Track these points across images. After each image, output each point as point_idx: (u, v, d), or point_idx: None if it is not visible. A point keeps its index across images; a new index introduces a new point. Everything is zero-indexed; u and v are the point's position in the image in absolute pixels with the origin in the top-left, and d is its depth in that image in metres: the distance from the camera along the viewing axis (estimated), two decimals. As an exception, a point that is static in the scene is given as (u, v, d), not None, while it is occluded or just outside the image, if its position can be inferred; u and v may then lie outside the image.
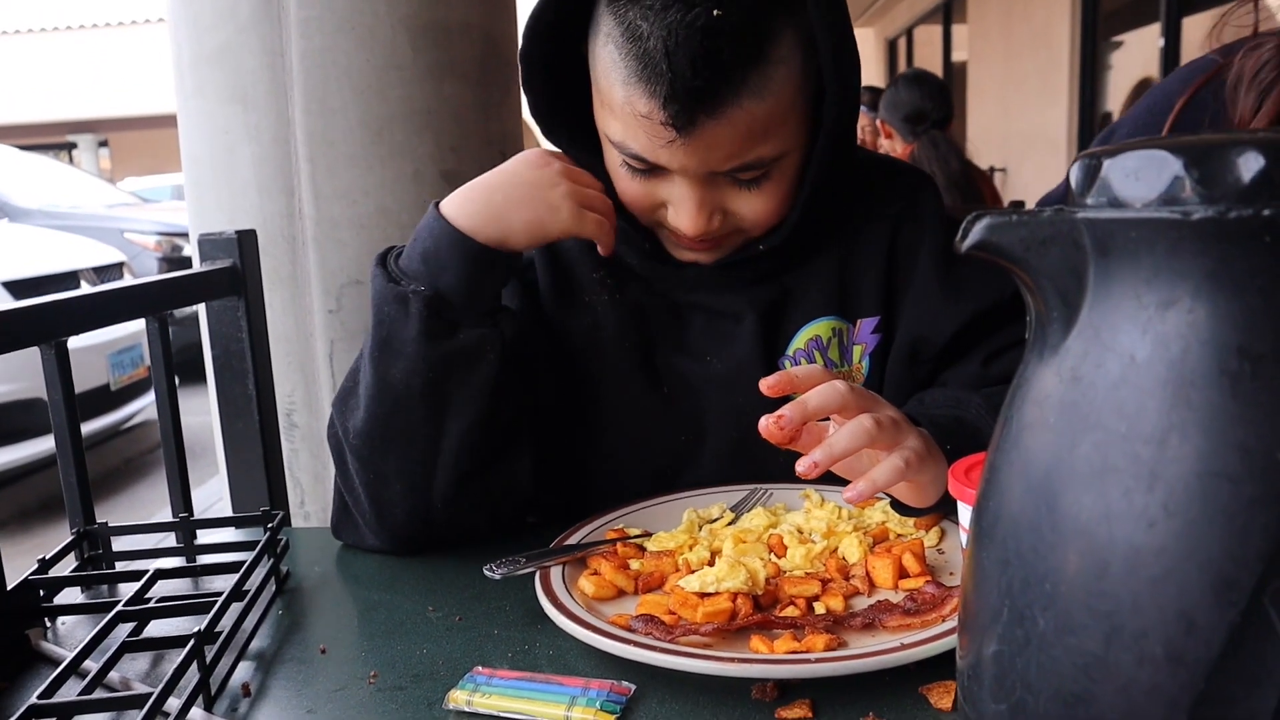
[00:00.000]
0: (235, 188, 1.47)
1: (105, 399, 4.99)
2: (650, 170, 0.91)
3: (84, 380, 4.83)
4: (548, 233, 0.92)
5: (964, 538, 0.62)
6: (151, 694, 0.63)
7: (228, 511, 1.27)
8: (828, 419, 0.79)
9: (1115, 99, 7.70)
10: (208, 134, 1.49)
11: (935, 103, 3.45)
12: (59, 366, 0.94)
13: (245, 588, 0.83)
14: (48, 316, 0.92)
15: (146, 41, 19.43)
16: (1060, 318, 0.41)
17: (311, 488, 1.56)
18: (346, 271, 1.48)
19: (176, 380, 1.22)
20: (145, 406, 5.16)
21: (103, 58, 19.63)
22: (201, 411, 1.79)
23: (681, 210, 0.92)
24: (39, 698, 0.64)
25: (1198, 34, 5.86)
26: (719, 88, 0.82)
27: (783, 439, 0.74)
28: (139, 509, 4.42)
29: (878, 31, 15.51)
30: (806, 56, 0.87)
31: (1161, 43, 6.16)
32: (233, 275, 1.23)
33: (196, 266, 1.24)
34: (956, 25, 10.79)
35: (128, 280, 1.09)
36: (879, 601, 0.74)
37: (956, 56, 10.92)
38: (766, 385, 0.77)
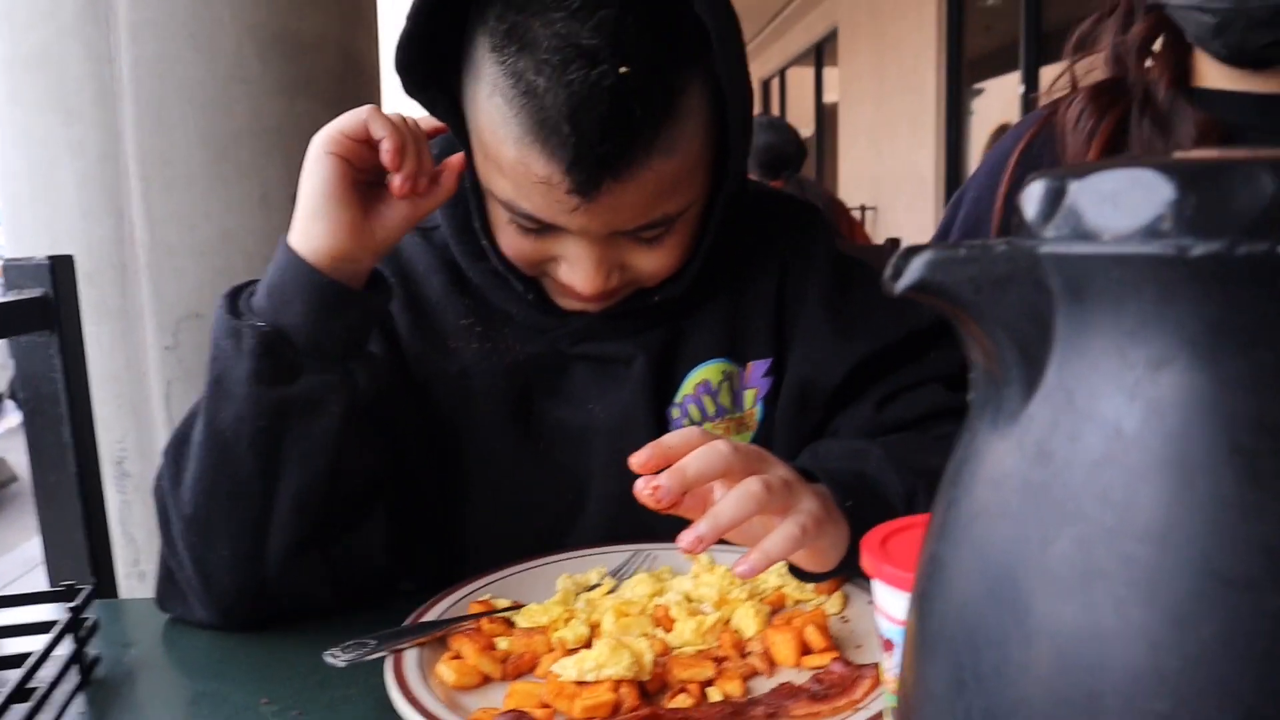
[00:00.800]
0: (56, 208, 1.32)
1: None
2: (542, 229, 0.82)
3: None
4: (339, 210, 0.79)
5: (882, 622, 0.54)
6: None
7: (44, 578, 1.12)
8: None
9: (978, 141, 7.99)
10: (24, 147, 1.33)
11: (794, 147, 3.50)
12: None
13: (30, 685, 0.69)
14: None
15: None
16: (1020, 377, 0.33)
17: (147, 544, 1.40)
18: (185, 303, 1.34)
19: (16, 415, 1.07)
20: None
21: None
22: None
23: (577, 270, 0.84)
24: None
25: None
26: (628, 150, 0.75)
27: (660, 508, 0.65)
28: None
29: (753, 71, 15.82)
30: (711, 104, 0.81)
31: (1022, 89, 6.40)
32: (44, 306, 1.09)
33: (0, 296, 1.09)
34: (828, 68, 11.06)
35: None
36: (782, 685, 0.66)
37: (828, 98, 11.18)
38: (637, 462, 0.68)
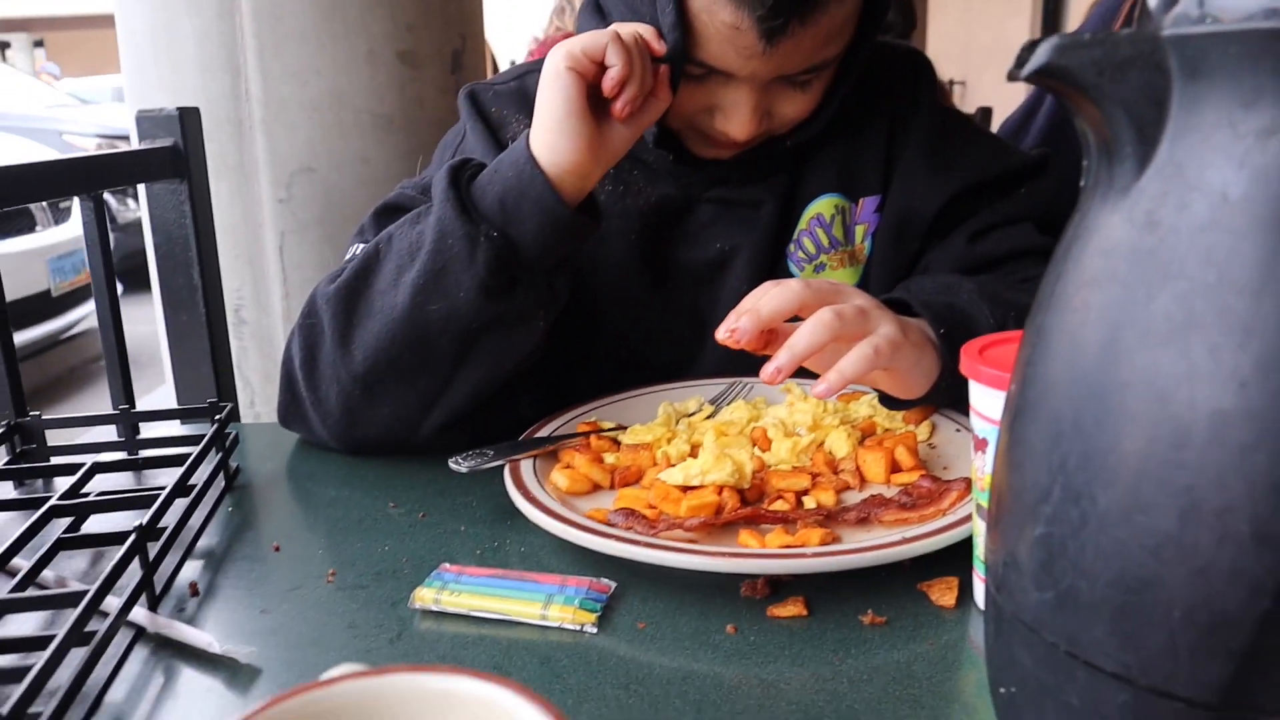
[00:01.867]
0: (177, 66, 1.37)
1: (46, 305, 4.84)
2: (707, 75, 0.85)
3: (24, 286, 4.66)
4: (580, 125, 0.80)
5: (977, 423, 0.58)
6: (88, 591, 0.57)
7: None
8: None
9: (1077, 9, 7.61)
10: (146, 6, 1.38)
11: (899, 13, 3.35)
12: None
13: (191, 482, 0.77)
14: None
15: (81, -65, 18.56)
16: (1134, 154, 0.36)
17: (262, 387, 1.48)
18: (297, 158, 1.39)
19: (120, 289, 1.14)
20: (88, 315, 5.00)
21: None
22: (147, 320, 1.71)
23: (734, 117, 0.86)
24: (-39, 594, 0.58)
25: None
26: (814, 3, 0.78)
27: (741, 347, 0.69)
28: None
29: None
30: None
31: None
32: (174, 155, 1.15)
33: (135, 145, 1.16)
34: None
35: (59, 157, 1.00)
36: (872, 496, 0.70)
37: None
38: (720, 336, 0.71)
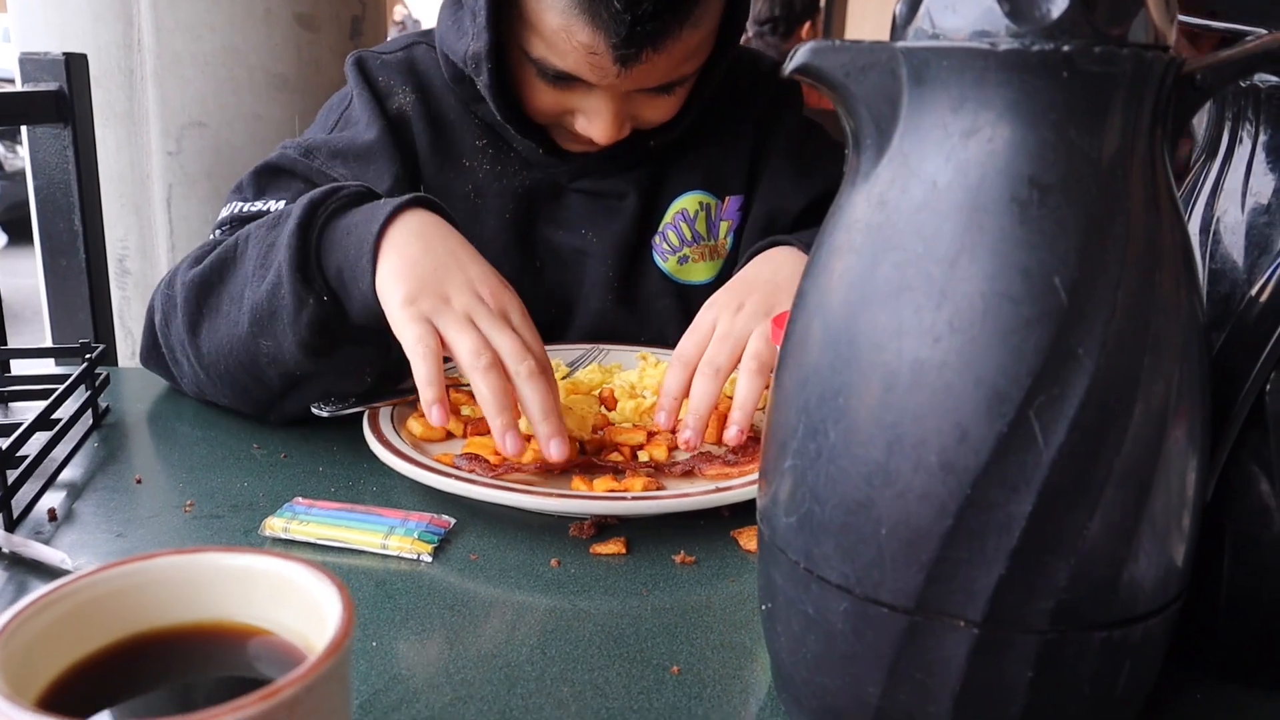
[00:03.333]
0: (66, 11, 1.37)
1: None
2: (567, 83, 0.89)
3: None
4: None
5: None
6: (-59, 505, 0.60)
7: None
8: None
9: None
10: (35, -53, 1.37)
11: (785, 7, 3.37)
12: None
13: (56, 416, 0.79)
14: None
15: None
16: (874, 145, 0.42)
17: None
18: (189, 111, 1.40)
19: (4, 240, 1.14)
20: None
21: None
22: (30, 274, 1.69)
23: (596, 122, 0.91)
24: None
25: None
26: (670, 27, 0.82)
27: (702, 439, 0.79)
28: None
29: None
30: None
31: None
32: (59, 100, 1.16)
33: (18, 88, 1.16)
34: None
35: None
36: (701, 453, 0.76)
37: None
38: (665, 425, 0.80)
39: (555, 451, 0.69)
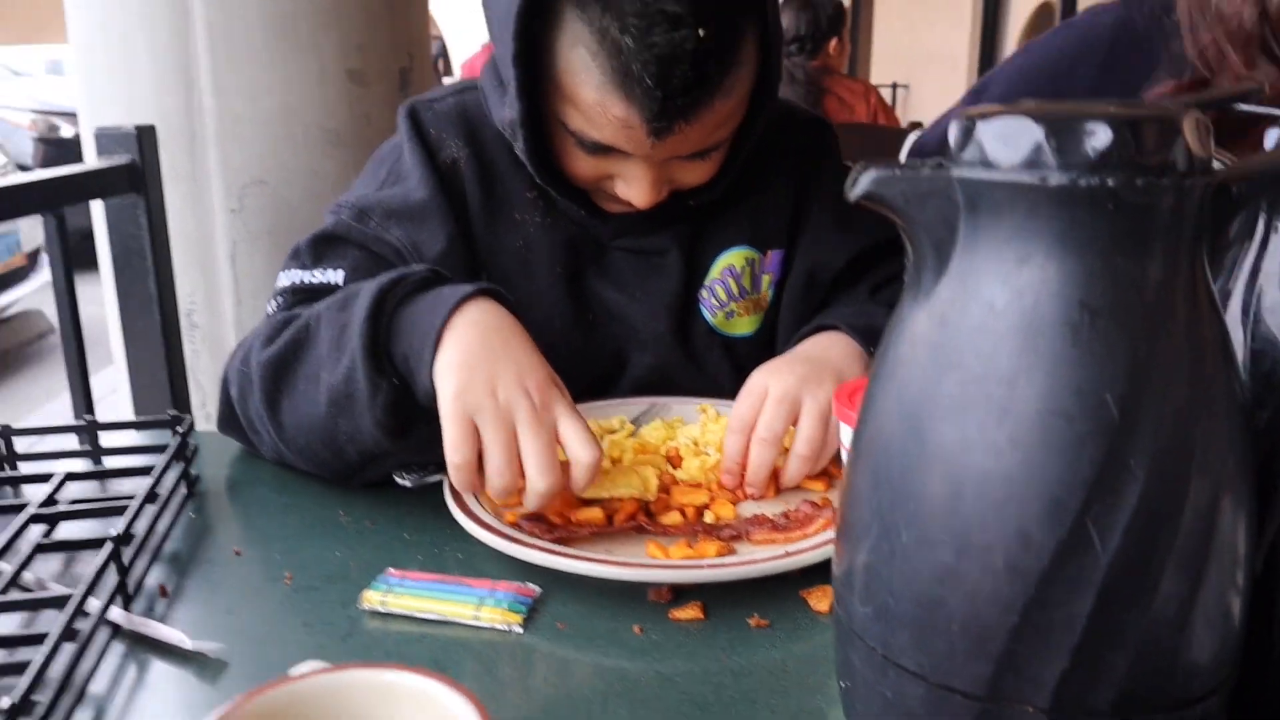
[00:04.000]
0: (131, 78, 1.43)
1: (-20, 287, 4.80)
2: (605, 152, 0.92)
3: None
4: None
5: (844, 454, 0.68)
6: (72, 594, 0.65)
7: (125, 406, 1.27)
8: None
9: (1017, 19, 7.81)
10: (100, 20, 1.44)
11: (831, 9, 3.36)
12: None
13: (158, 491, 0.85)
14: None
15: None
16: (934, 265, 0.46)
17: (213, 390, 1.55)
18: (249, 170, 1.46)
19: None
20: (23, 296, 4.96)
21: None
22: (93, 301, 1.75)
23: (634, 187, 0.94)
24: (-43, 598, 0.66)
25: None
26: (701, 100, 0.85)
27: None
28: (19, 405, 4.28)
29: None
30: (759, 44, 0.91)
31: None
32: (132, 172, 1.22)
33: (93, 161, 1.22)
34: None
35: (20, 177, 1.06)
36: (756, 515, 0.80)
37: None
38: (730, 484, 0.86)
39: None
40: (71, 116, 7.25)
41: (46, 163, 7.00)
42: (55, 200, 1.07)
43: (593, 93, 0.86)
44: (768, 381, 0.87)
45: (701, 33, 0.82)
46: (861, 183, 0.46)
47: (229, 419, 0.98)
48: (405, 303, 0.84)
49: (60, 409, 4.29)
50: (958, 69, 7.67)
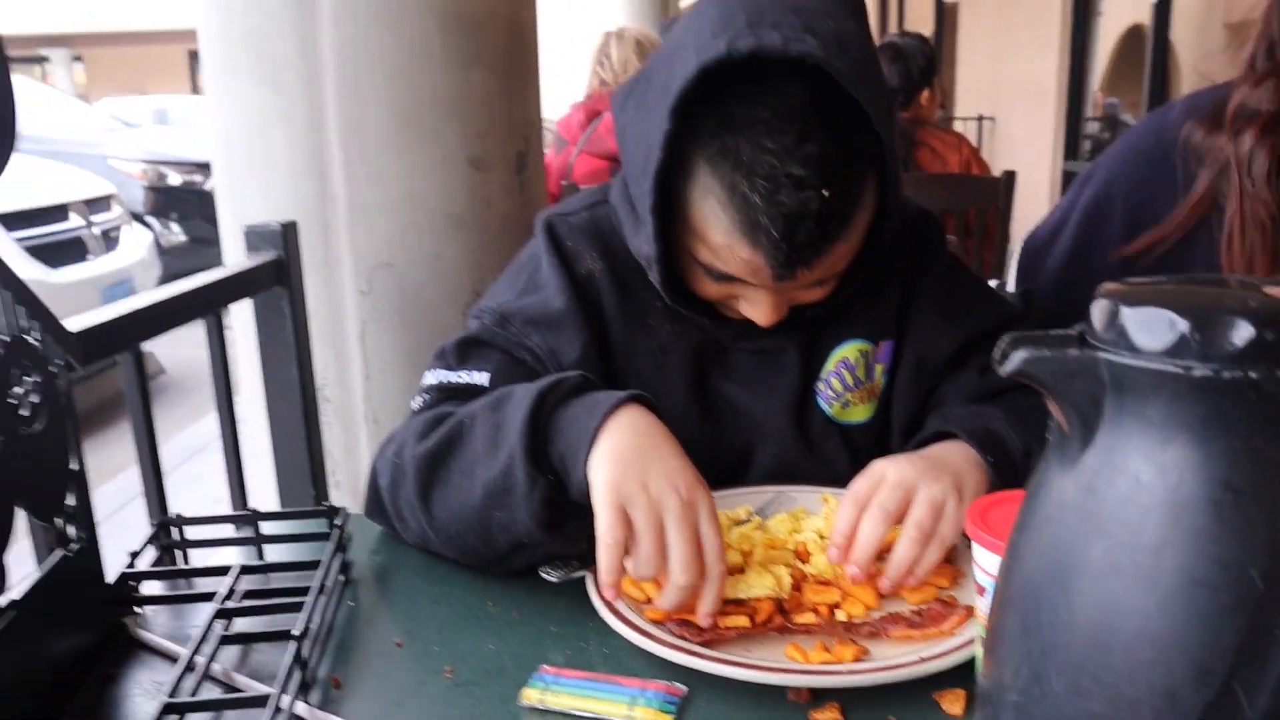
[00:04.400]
0: (268, 170, 1.54)
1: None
2: (731, 279, 0.98)
3: (77, 314, 4.85)
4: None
5: (977, 573, 0.72)
6: (271, 694, 0.72)
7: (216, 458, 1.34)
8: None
9: (1106, 43, 7.71)
10: (240, 115, 1.55)
11: (924, 60, 3.37)
12: (136, 371, 1.02)
13: (325, 582, 0.92)
14: (126, 327, 1.00)
15: (122, -47, 18.97)
16: (1080, 437, 0.50)
17: (343, 460, 1.64)
18: (378, 254, 1.55)
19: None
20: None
21: (77, -31, 19.18)
22: (190, 343, 1.82)
23: (757, 310, 1.00)
24: (169, 696, 0.74)
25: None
26: (823, 249, 0.91)
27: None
28: (131, 446, 4.46)
29: (869, -35, 15.28)
30: (878, 181, 0.96)
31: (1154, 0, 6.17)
32: (278, 267, 1.31)
33: (243, 259, 1.31)
34: (949, -36, 10.73)
35: (179, 285, 1.16)
36: (890, 614, 0.84)
37: (948, -1, 10.88)
38: (835, 559, 0.90)
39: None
40: (178, 165, 7.59)
41: (156, 210, 7.34)
42: (214, 303, 1.16)
43: (722, 236, 0.92)
44: (886, 467, 0.91)
45: (825, 193, 0.88)
46: (1012, 360, 0.51)
47: (376, 507, 1.05)
48: (562, 405, 0.91)
49: (170, 454, 4.47)
50: (1045, 101, 7.58)
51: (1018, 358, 0.51)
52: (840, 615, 0.85)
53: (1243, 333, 0.45)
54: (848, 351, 1.11)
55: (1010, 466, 0.95)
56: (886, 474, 0.90)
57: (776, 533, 0.97)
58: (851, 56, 0.89)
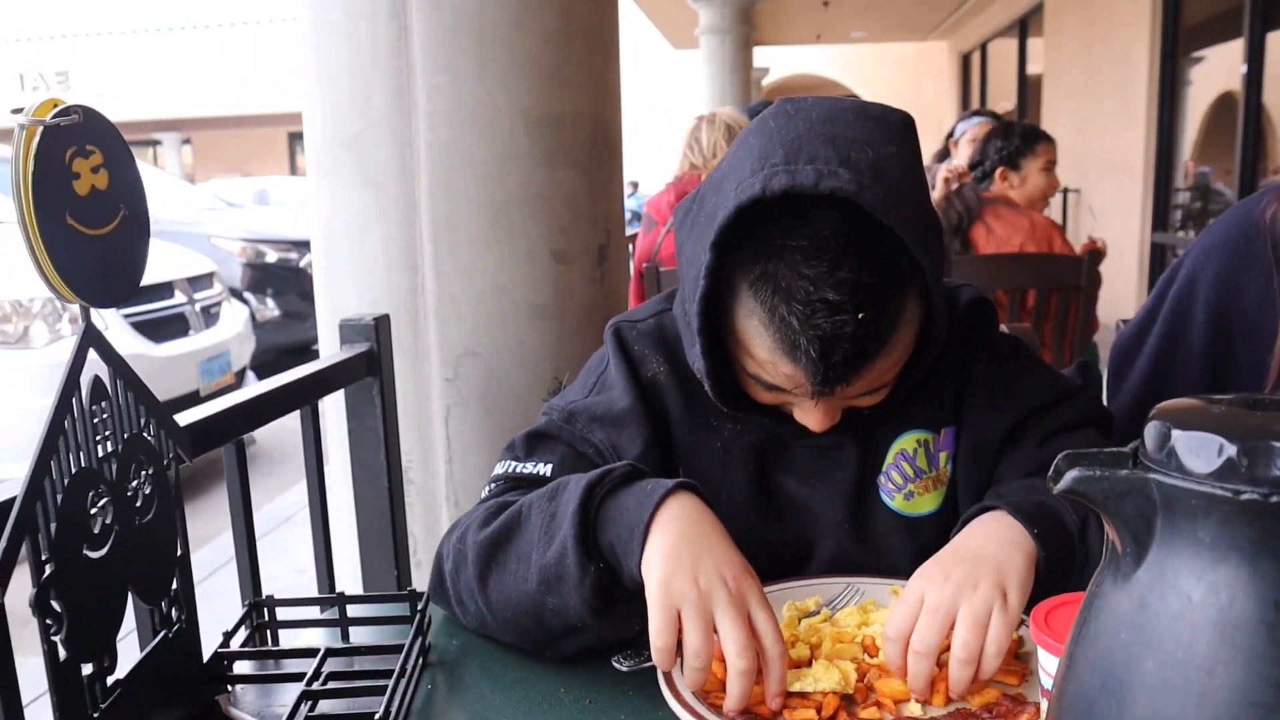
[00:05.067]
0: (364, 265, 1.62)
1: (194, 404, 5.21)
2: (781, 389, 1.01)
3: (177, 386, 5.04)
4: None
5: (1041, 674, 0.73)
6: (354, 779, 0.76)
7: (306, 519, 1.39)
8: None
9: (1195, 112, 7.60)
10: (340, 214, 1.63)
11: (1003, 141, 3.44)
12: (238, 461, 1.08)
13: (406, 666, 0.95)
14: (232, 419, 1.06)
15: (230, 43, 20.06)
16: (1132, 553, 0.52)
17: (423, 538, 1.69)
18: (464, 343, 1.61)
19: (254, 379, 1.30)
20: (233, 414, 5.37)
21: (187, 57, 20.29)
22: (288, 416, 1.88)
23: (809, 418, 1.04)
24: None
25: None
26: (861, 368, 0.95)
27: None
28: (222, 511, 4.62)
29: (951, 45, 15.40)
30: (920, 296, 0.98)
31: (1244, 68, 6.10)
32: (369, 358, 1.37)
33: (337, 351, 1.38)
34: (1033, 39, 10.74)
35: (280, 379, 1.22)
36: (959, 710, 0.85)
37: (1032, 70, 10.86)
38: (895, 667, 0.90)
39: None
40: (275, 243, 7.91)
41: (252, 286, 7.64)
42: (313, 394, 1.22)
43: (765, 353, 0.97)
44: (924, 590, 0.91)
45: (861, 316, 0.91)
46: (1066, 481, 0.53)
47: (440, 590, 1.09)
48: (612, 495, 0.95)
49: (258, 523, 4.61)
50: (1134, 174, 7.49)
51: (1070, 477, 0.52)
52: (908, 710, 0.86)
53: (1290, 458, 0.47)
54: (905, 443, 1.13)
55: (1063, 536, 0.95)
56: (926, 599, 0.90)
57: (844, 625, 0.98)
58: (886, 184, 0.92)
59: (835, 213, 0.92)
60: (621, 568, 0.92)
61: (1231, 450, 0.48)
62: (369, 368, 1.36)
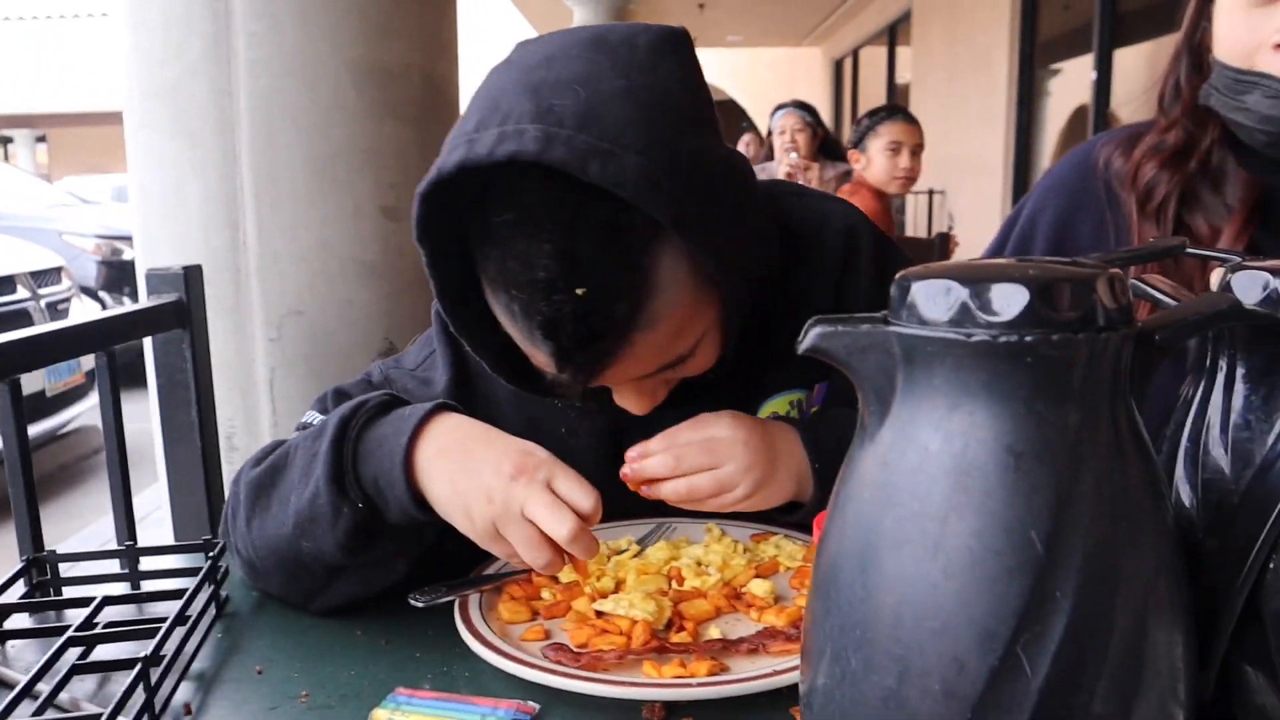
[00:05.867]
0: (181, 220, 1.54)
1: (41, 405, 4.94)
2: None
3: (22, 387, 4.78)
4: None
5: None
6: (101, 714, 0.70)
7: (167, 519, 1.33)
8: None
9: (1053, 124, 7.94)
10: (155, 168, 1.55)
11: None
12: (12, 402, 1.00)
13: (188, 613, 0.89)
14: (6, 356, 0.98)
15: (88, 36, 19.16)
16: (877, 411, 0.50)
17: (251, 508, 1.61)
18: (287, 302, 1.54)
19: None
20: (81, 413, 5.12)
21: (42, 50, 19.32)
22: (141, 418, 1.83)
23: (625, 400, 0.94)
24: (-4, 719, 0.71)
25: (1130, 64, 6.10)
26: (604, 351, 0.82)
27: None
28: (74, 517, 4.39)
29: (824, 51, 15.78)
30: (694, 252, 0.83)
31: (1094, 75, 6.39)
32: (178, 309, 1.30)
33: (144, 301, 1.30)
34: (901, 47, 11.06)
35: (75, 318, 1.14)
36: (766, 628, 0.83)
37: (900, 78, 11.19)
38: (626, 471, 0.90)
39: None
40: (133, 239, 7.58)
41: (108, 285, 7.30)
42: (109, 339, 1.14)
43: (522, 342, 0.86)
44: (727, 429, 0.91)
45: (580, 292, 0.78)
46: (809, 338, 0.51)
47: (223, 537, 1.02)
48: (368, 428, 0.89)
49: (143, 502, 4.39)
50: (994, 175, 7.77)
51: (813, 334, 0.51)
52: (713, 633, 0.84)
53: (1018, 297, 0.46)
54: (777, 405, 1.04)
55: (838, 439, 0.84)
56: (716, 433, 0.90)
57: (653, 559, 0.96)
58: (599, 128, 0.77)
59: (547, 175, 0.77)
60: (389, 504, 0.87)
61: (964, 293, 0.47)
62: (178, 319, 1.28)
